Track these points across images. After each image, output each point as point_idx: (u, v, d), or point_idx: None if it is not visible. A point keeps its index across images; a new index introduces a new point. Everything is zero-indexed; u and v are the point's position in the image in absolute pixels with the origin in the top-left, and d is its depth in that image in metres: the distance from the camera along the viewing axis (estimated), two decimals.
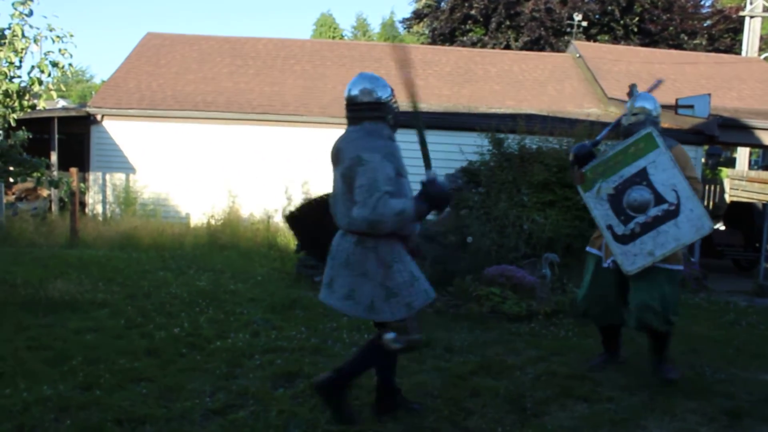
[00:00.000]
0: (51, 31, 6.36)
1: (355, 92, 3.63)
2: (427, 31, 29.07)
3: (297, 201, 13.97)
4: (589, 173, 4.60)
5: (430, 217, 3.80)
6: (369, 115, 3.61)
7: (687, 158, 4.60)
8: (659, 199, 4.38)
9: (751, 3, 22.42)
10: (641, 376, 4.64)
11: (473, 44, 25.74)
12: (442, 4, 27.87)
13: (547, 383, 4.48)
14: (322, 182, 13.76)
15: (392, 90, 3.70)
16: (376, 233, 3.45)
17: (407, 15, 30.72)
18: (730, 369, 4.88)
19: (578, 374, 4.67)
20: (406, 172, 3.65)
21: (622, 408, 4.06)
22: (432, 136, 12.30)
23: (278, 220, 13.26)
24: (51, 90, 6.49)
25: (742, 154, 19.77)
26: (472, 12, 26.41)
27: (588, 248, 4.85)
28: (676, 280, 4.55)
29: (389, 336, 3.56)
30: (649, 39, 25.54)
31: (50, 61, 6.34)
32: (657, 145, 4.37)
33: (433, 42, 27.05)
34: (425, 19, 28.93)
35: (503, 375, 4.63)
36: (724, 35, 27.02)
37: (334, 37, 36.31)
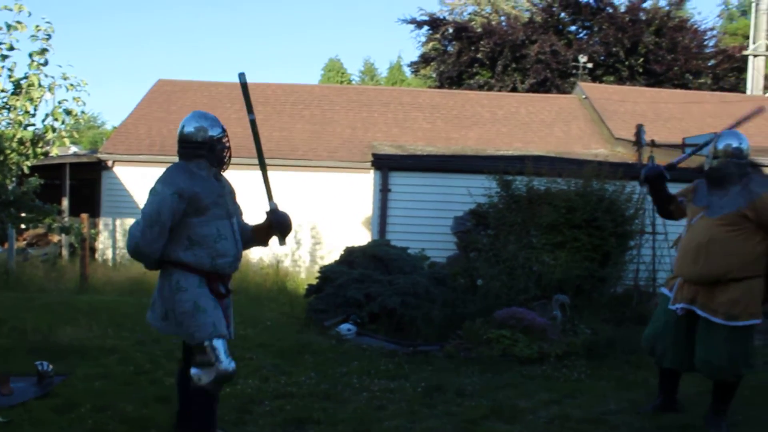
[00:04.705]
0: (65, 79, 6.44)
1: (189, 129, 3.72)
2: (434, 75, 29.39)
3: (306, 245, 14.01)
4: None
5: (279, 245, 4.07)
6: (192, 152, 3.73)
7: None
8: None
9: (754, 42, 22.68)
10: (656, 418, 4.57)
11: (480, 87, 26.00)
12: (449, 48, 28.25)
13: (561, 427, 4.41)
14: (330, 226, 13.86)
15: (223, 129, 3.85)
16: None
17: (415, 59, 31.14)
18: (748, 411, 4.79)
19: (592, 417, 4.60)
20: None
21: None
22: (441, 179, 12.36)
23: (287, 264, 13.25)
24: (64, 137, 6.55)
25: None
26: (479, 55, 26.75)
27: (661, 288, 4.82)
28: (747, 334, 4.30)
29: (194, 371, 3.61)
30: (654, 79, 25.72)
31: (64, 109, 6.40)
32: None
33: (441, 85, 27.36)
34: (432, 63, 29.27)
35: (516, 419, 4.56)
36: (729, 74, 27.19)
37: (342, 82, 36.74)
